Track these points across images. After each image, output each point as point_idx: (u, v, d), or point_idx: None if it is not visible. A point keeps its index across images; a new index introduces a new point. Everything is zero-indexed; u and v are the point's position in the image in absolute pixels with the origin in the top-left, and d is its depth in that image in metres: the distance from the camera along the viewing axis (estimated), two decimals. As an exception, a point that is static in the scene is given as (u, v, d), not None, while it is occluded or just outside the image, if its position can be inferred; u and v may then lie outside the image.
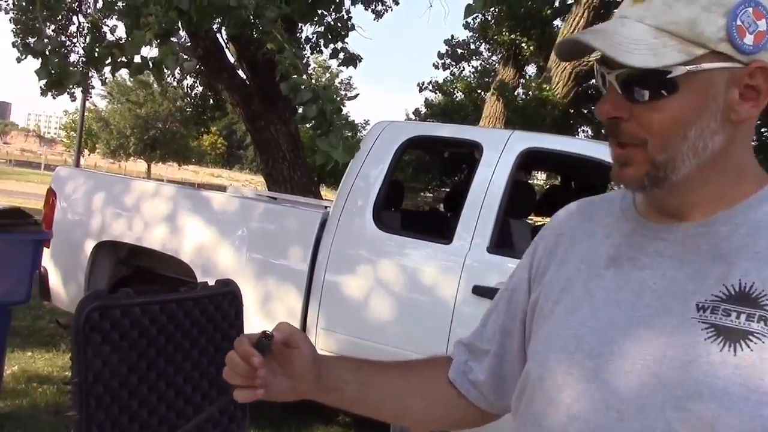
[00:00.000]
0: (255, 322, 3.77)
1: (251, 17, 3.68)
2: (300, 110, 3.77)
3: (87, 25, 10.50)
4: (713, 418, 0.78)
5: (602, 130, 14.37)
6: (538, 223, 5.77)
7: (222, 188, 6.37)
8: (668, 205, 0.93)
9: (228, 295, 1.67)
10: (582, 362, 0.90)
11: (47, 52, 3.86)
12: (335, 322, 3.92)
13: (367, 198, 3.99)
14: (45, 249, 4.54)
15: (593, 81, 12.18)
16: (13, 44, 6.07)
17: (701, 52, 0.84)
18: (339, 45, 4.67)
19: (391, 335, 3.74)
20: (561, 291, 0.99)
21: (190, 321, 1.62)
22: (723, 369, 0.80)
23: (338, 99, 3.86)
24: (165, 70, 3.54)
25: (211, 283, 1.75)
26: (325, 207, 4.67)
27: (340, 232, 3.96)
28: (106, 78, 12.13)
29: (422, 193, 10.38)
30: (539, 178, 16.66)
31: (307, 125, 4.04)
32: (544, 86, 9.76)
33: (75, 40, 11.19)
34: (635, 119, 0.88)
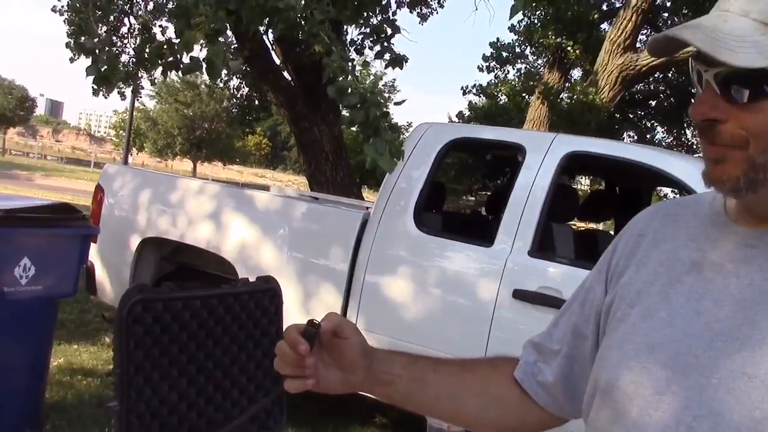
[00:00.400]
0: (295, 320, 3.78)
1: (299, 19, 3.70)
2: (346, 113, 3.77)
3: (138, 26, 10.69)
4: None
5: (647, 135, 14.15)
6: (581, 228, 5.70)
7: (265, 188, 6.41)
8: (762, 210, 0.86)
9: (268, 292, 1.68)
10: (655, 373, 0.85)
11: (97, 51, 3.94)
12: (374, 322, 3.92)
13: (408, 199, 3.98)
14: (92, 244, 4.63)
15: (639, 85, 12.01)
16: (67, 45, 6.22)
17: None
18: (385, 45, 4.66)
19: (429, 337, 3.72)
20: (637, 294, 0.94)
21: (230, 316, 1.63)
22: None
23: (384, 103, 3.86)
24: (217, 69, 3.58)
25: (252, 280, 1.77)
26: (367, 208, 4.68)
27: (380, 232, 3.96)
28: (155, 78, 12.33)
29: (466, 195, 10.33)
30: (583, 183, 16.48)
31: (353, 129, 4.05)
32: (590, 90, 9.65)
33: (126, 41, 11.40)
34: (734, 120, 0.81)
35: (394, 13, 6.55)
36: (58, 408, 4.01)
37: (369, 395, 1.13)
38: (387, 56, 4.57)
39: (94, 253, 4.77)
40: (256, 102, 12.90)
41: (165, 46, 3.76)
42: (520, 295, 3.50)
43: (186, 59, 3.74)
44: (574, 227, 4.95)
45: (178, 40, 3.54)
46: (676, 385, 0.83)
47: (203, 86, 36.72)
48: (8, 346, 3.45)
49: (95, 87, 4.25)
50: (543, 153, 3.78)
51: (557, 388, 1.09)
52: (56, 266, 3.62)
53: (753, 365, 0.79)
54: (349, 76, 3.66)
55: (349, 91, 3.65)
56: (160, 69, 4.03)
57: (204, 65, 3.60)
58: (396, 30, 4.91)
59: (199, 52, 3.96)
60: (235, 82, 13.24)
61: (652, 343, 0.88)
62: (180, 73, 4.05)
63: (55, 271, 3.61)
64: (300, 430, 4.22)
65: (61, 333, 5.45)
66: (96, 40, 4.18)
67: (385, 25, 4.91)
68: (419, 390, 1.08)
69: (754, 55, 0.77)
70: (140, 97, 17.03)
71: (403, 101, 5.49)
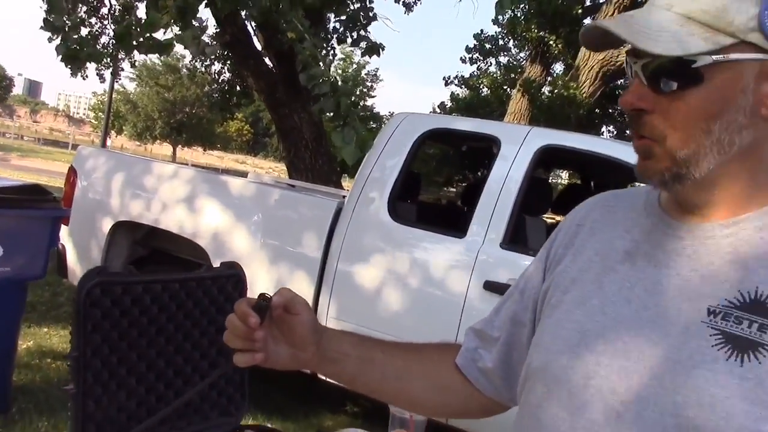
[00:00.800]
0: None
1: (271, 5, 3.68)
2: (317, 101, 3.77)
3: (119, 7, 10.58)
4: (710, 429, 0.76)
5: (627, 131, 14.25)
6: (555, 222, 5.73)
7: (244, 174, 6.39)
8: (691, 202, 0.89)
9: (232, 278, 1.67)
10: (584, 357, 0.87)
11: (66, 29, 3.90)
12: (346, 311, 3.92)
13: (382, 189, 3.98)
14: (64, 227, 4.59)
15: (620, 81, 12.08)
16: (43, 22, 6.15)
17: (730, 41, 0.81)
18: (361, 33, 4.65)
19: (401, 327, 3.73)
20: (571, 282, 0.96)
21: (192, 301, 1.63)
22: (727, 379, 0.77)
23: (357, 93, 3.86)
24: (183, 51, 3.57)
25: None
26: (343, 196, 4.68)
27: (354, 221, 3.96)
28: (135, 61, 12.22)
29: (441, 187, 10.35)
30: (563, 178, 16.56)
31: (324, 118, 4.05)
32: (571, 84, 9.68)
33: (106, 22, 11.27)
34: (658, 112, 0.84)
35: (371, 1, 6.56)
36: (25, 390, 3.98)
37: (338, 384, 1.14)
38: (363, 44, 4.56)
39: (65, 236, 4.73)
40: (238, 87, 12.83)
41: (133, 26, 3.72)
42: (490, 286, 3.51)
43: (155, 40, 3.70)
44: (547, 220, 4.98)
45: (145, 21, 3.51)
46: (604, 370, 0.85)
47: (184, 70, 36.39)
48: (-26, 327, 3.42)
49: (66, 66, 4.20)
50: (518, 145, 3.79)
51: (496, 374, 1.11)
52: (25, 248, 3.58)
53: (677, 351, 0.81)
54: (321, 64, 3.65)
55: (321, 80, 3.64)
56: (131, 49, 3.99)
57: (165, 47, 3.56)
58: (372, 18, 4.90)
59: (164, 34, 3.93)
60: (216, 67, 13.16)
61: (583, 329, 0.90)
62: (143, 53, 4.02)
63: (24, 252, 3.57)
64: (270, 417, 4.23)
65: (32, 316, 5.41)
66: (65, 17, 4.13)
67: (361, 14, 4.90)
68: (366, 370, 1.10)
69: (672, 44, 0.81)
70: (119, 79, 16.90)
71: (374, 95, 5.48)
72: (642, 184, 0.99)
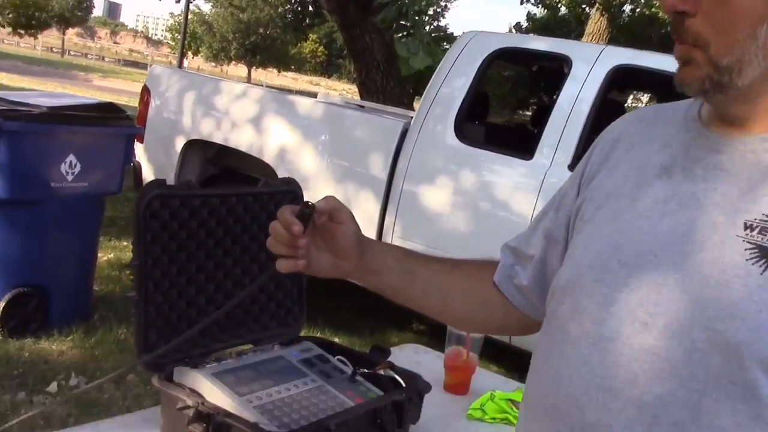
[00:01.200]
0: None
1: None
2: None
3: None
4: (740, 342, 0.74)
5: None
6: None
7: (315, 96, 6.41)
8: (732, 114, 0.85)
9: (289, 194, 1.68)
10: (614, 270, 0.85)
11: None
12: (411, 231, 3.95)
13: (449, 109, 3.94)
14: (139, 144, 4.72)
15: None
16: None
17: None
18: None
19: (465, 248, 3.74)
20: (606, 197, 0.94)
21: (250, 216, 1.65)
22: (760, 293, 0.75)
23: (424, 4, 3.77)
24: None
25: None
26: (411, 117, 4.65)
27: (420, 142, 3.94)
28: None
29: (514, 108, 10.17)
30: (642, 101, 16.01)
31: (389, 28, 3.98)
32: (653, 2, 9.26)
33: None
34: (702, 15, 0.80)
35: None
36: (106, 300, 4.19)
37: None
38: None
39: (141, 153, 4.86)
40: (310, 8, 12.76)
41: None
42: (557, 209, 3.46)
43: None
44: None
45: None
46: (634, 282, 0.84)
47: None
48: (58, 240, 3.60)
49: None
50: (590, 65, 3.67)
51: (532, 291, 1.10)
52: (102, 164, 3.71)
53: (710, 265, 0.79)
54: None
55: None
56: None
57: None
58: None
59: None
60: (288, -14, 13.07)
61: (615, 243, 0.88)
62: None
63: (100, 168, 3.71)
64: (337, 332, 4.35)
65: (112, 230, 5.64)
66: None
67: None
68: (408, 284, 1.10)
69: None
70: (194, 0, 16.97)
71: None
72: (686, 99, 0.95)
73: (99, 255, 4.11)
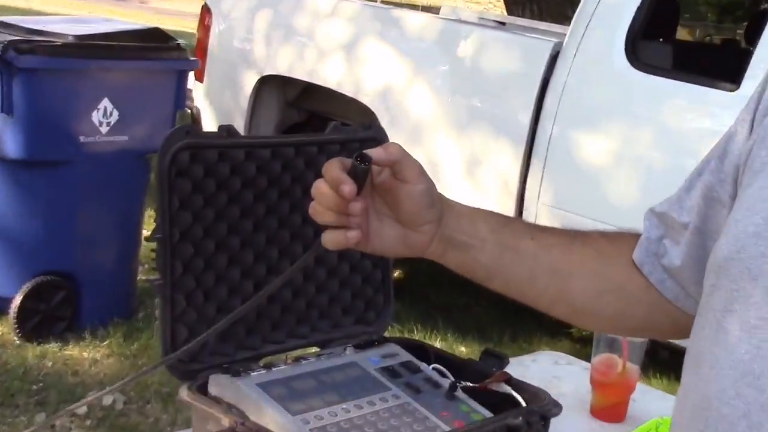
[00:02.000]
0: (453, 192, 3.82)
1: None
2: None
3: None
4: None
5: None
6: None
7: (438, 10, 6.37)
8: None
9: (368, 142, 1.65)
10: None
11: None
12: (565, 196, 3.92)
13: (617, 23, 3.86)
14: (198, 84, 4.85)
15: None
16: None
17: None
18: None
19: (641, 220, 3.65)
20: None
21: (314, 173, 1.64)
22: None
23: None
24: None
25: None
26: (565, 35, 4.57)
27: (576, 69, 3.88)
28: None
29: (721, 19, 9.78)
30: None
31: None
32: None
33: None
34: None
35: None
36: (153, 293, 4.29)
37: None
38: None
39: (201, 96, 5.00)
40: None
41: None
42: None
43: None
44: None
45: None
46: None
47: None
48: (90, 213, 3.71)
49: None
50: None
51: (687, 275, 1.05)
52: (145, 111, 3.80)
53: None
54: None
55: None
56: None
57: None
58: None
59: None
60: None
61: None
62: None
63: (144, 117, 3.79)
64: (464, 338, 4.35)
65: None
66: None
67: None
68: (509, 262, 1.07)
69: None
70: None
71: None
72: None
73: (144, 233, 4.16)
